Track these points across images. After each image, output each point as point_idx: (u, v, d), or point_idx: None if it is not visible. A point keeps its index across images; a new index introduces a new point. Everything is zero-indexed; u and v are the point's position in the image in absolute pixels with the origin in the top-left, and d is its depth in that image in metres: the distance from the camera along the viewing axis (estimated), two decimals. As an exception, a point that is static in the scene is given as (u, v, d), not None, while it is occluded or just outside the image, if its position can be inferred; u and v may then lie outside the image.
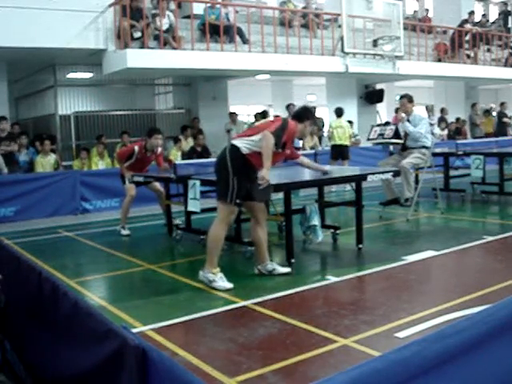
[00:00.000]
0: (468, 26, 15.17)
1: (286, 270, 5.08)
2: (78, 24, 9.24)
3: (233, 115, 12.72)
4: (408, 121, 7.76)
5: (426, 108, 15.22)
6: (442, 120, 15.41)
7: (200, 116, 12.66)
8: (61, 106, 11.63)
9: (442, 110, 15.78)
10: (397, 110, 15.48)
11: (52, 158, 9.99)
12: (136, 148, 7.27)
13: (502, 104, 16.31)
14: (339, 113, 11.99)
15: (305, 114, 5.08)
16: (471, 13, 15.84)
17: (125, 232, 7.40)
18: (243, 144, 4.70)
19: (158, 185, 7.53)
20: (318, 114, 14.25)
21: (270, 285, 4.85)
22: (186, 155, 11.14)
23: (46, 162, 9.87)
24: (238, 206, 4.81)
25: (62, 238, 7.51)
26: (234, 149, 4.70)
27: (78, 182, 9.31)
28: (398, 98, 8.23)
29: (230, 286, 4.67)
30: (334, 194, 10.23)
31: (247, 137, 4.76)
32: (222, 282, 4.68)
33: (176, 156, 10.82)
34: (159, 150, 7.43)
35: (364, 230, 6.03)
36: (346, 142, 11.73)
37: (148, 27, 9.80)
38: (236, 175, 4.64)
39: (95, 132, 11.78)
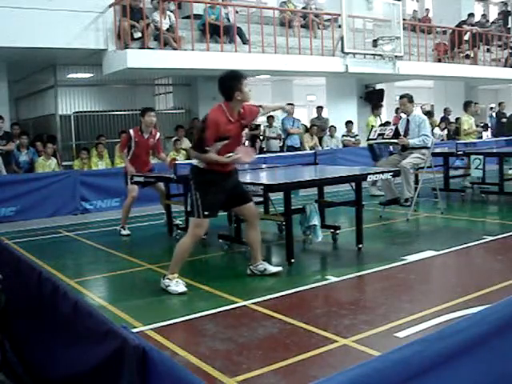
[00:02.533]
0: (465, 27, 15.16)
1: (277, 269, 5.07)
2: (78, 24, 9.25)
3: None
4: (407, 121, 7.78)
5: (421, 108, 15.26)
6: (444, 119, 15.40)
7: (200, 116, 12.62)
8: (61, 106, 11.64)
9: (445, 110, 15.77)
10: (397, 110, 15.50)
11: (53, 162, 10.00)
12: (131, 131, 7.30)
13: (501, 104, 16.29)
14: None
15: (227, 87, 4.63)
16: (470, 15, 15.83)
17: (125, 232, 7.40)
18: (197, 160, 4.74)
19: (161, 184, 7.51)
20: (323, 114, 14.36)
21: (270, 285, 4.85)
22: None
23: (46, 165, 9.88)
24: (208, 217, 4.70)
25: (61, 237, 7.51)
26: (193, 167, 4.77)
27: (78, 182, 9.31)
28: (398, 98, 8.23)
29: (182, 289, 4.60)
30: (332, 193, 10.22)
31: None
32: (175, 287, 4.61)
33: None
34: (158, 135, 7.40)
35: (364, 230, 6.03)
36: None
37: (148, 27, 9.80)
38: (198, 190, 4.64)
39: (95, 132, 11.80)
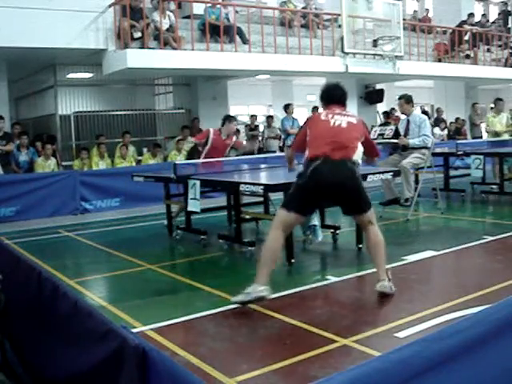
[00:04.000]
0: (466, 27, 15.17)
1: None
2: (78, 24, 9.24)
3: (289, 107, 12.57)
4: (408, 121, 7.78)
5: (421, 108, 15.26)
6: (438, 120, 15.40)
7: (200, 116, 12.65)
8: (61, 106, 11.62)
9: (438, 110, 15.77)
10: (391, 111, 15.48)
11: (53, 162, 10.01)
12: (211, 130, 7.60)
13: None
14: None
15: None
16: (470, 15, 15.82)
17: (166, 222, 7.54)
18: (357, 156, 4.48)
19: None
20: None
21: (270, 285, 4.84)
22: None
23: (46, 166, 9.88)
24: None
25: (61, 238, 7.51)
26: (353, 166, 4.38)
27: (77, 182, 9.30)
28: (397, 98, 8.22)
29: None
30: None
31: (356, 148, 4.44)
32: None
33: (175, 158, 10.81)
34: (234, 138, 7.74)
35: (364, 230, 6.02)
36: None
37: (148, 27, 9.80)
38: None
39: (95, 132, 11.79)
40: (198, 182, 5.88)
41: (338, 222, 7.31)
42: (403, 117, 8.20)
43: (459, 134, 15.12)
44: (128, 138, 11.11)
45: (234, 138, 7.75)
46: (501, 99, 11.09)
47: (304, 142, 4.49)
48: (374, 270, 5.05)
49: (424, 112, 14.56)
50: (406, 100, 7.77)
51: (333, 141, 4.31)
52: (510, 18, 17.97)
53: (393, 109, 14.91)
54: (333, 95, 4.67)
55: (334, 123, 4.42)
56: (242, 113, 19.00)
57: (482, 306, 2.08)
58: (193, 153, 11.09)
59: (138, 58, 9.44)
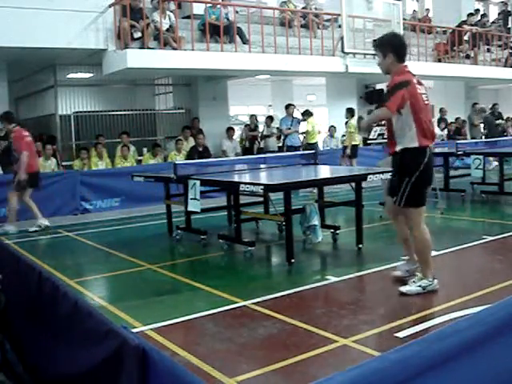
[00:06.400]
0: (466, 27, 15.17)
1: None
2: (78, 24, 9.24)
3: (289, 107, 12.57)
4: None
5: None
6: (441, 120, 15.40)
7: (200, 116, 12.65)
8: (61, 106, 11.62)
9: (441, 110, 15.77)
10: None
11: (53, 162, 10.01)
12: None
13: (495, 105, 16.21)
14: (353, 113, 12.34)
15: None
16: (470, 14, 15.82)
17: (32, 229, 7.78)
18: None
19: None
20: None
21: (270, 285, 4.85)
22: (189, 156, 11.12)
23: (46, 166, 9.89)
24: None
25: (61, 237, 7.51)
26: None
27: (77, 181, 9.31)
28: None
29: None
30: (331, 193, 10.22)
31: None
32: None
33: (175, 158, 10.81)
34: (12, 135, 8.08)
35: (364, 230, 6.02)
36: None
37: (148, 27, 9.79)
38: None
39: (95, 132, 11.79)
40: (197, 182, 5.89)
41: (337, 222, 7.32)
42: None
43: (459, 134, 15.10)
44: (125, 139, 11.09)
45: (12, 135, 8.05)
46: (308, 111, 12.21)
47: (401, 106, 4.21)
48: (374, 269, 5.06)
49: None
50: None
51: (430, 124, 4.29)
52: (510, 17, 17.98)
53: None
54: (406, 49, 4.40)
55: (424, 99, 4.30)
56: (242, 113, 19.04)
57: (482, 306, 2.08)
58: (191, 153, 11.12)
59: (138, 58, 9.44)
